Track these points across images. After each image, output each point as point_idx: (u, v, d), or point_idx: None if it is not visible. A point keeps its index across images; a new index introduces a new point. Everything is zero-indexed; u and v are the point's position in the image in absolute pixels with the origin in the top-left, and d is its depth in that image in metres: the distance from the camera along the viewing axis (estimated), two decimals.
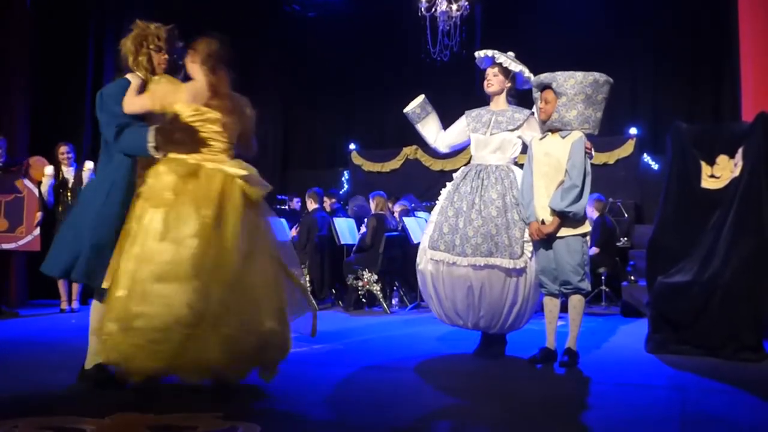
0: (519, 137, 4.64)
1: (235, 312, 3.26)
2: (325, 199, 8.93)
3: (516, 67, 4.63)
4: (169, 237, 3.27)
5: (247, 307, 3.31)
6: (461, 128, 4.85)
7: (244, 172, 3.47)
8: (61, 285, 7.16)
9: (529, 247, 4.38)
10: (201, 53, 3.60)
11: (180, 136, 3.49)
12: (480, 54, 4.74)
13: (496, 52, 4.68)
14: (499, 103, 4.75)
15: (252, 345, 3.31)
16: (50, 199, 7.03)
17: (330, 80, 11.99)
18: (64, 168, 7.24)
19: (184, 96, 3.53)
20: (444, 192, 4.74)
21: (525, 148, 4.66)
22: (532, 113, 4.67)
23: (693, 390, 3.75)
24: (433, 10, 8.85)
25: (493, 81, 4.71)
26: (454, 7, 8.82)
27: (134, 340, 3.18)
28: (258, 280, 3.37)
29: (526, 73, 4.64)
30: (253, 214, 3.49)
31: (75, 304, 7.22)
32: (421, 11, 8.90)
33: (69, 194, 7.08)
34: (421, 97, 4.97)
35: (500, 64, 4.65)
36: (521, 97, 4.85)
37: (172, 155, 3.48)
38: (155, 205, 3.35)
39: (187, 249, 3.23)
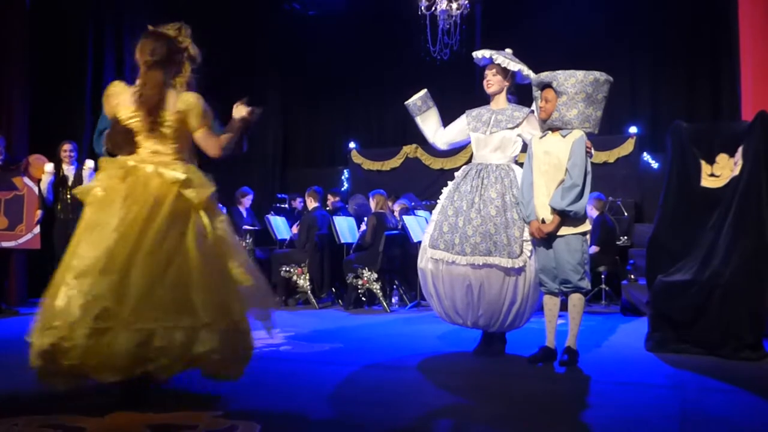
0: (519, 135, 4.65)
1: (155, 308, 3.16)
2: (329, 197, 8.93)
3: (514, 66, 4.63)
4: (94, 232, 3.25)
5: (172, 304, 3.19)
6: (461, 126, 4.86)
7: (179, 176, 3.36)
8: None
9: (528, 247, 4.39)
10: (137, 53, 3.57)
11: (120, 138, 3.49)
12: (477, 54, 4.74)
13: (493, 52, 4.68)
14: (499, 102, 4.75)
15: (177, 342, 3.16)
16: (49, 197, 7.03)
17: (330, 79, 11.98)
18: (65, 166, 7.25)
19: (126, 98, 3.51)
20: (445, 191, 4.76)
21: (525, 147, 4.66)
22: (532, 111, 4.67)
23: (692, 389, 3.75)
24: (433, 8, 8.84)
25: (492, 81, 4.71)
26: (454, 5, 8.81)
27: (49, 339, 3.11)
28: (192, 279, 3.25)
29: (525, 71, 4.64)
30: (196, 216, 3.38)
31: None
32: (421, 10, 8.89)
33: (68, 192, 7.08)
34: (423, 91, 4.98)
35: (498, 64, 4.65)
36: (522, 91, 4.84)
37: (115, 157, 3.49)
38: (87, 203, 3.36)
39: (106, 243, 3.19)
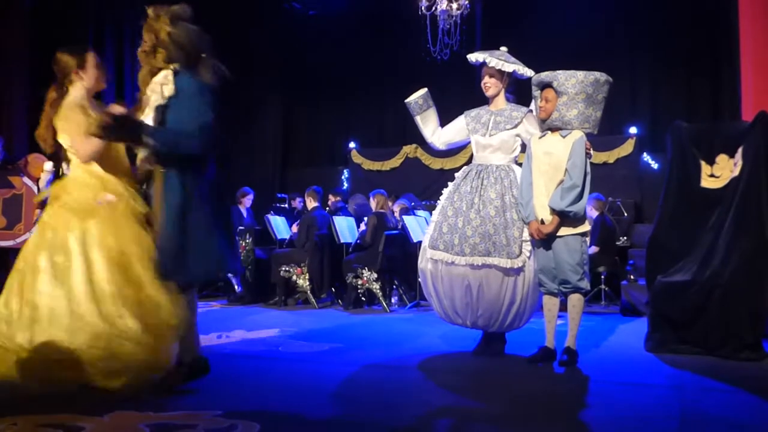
0: (517, 135, 4.64)
1: (33, 321, 3.26)
2: (330, 197, 8.92)
3: (509, 67, 4.61)
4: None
5: (54, 318, 3.26)
6: (459, 127, 4.86)
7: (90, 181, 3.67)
8: None
9: (527, 247, 4.38)
10: None
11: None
12: (471, 58, 4.73)
13: (487, 54, 4.66)
14: (498, 102, 4.75)
15: (48, 357, 3.21)
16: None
17: (330, 78, 11.97)
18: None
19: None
20: (445, 192, 4.76)
21: (524, 147, 4.66)
22: (530, 111, 4.67)
23: (692, 389, 3.76)
24: (434, 8, 8.84)
25: (489, 83, 4.70)
26: (455, 5, 8.81)
27: None
28: (92, 288, 3.31)
29: (520, 70, 4.63)
30: (115, 226, 3.46)
31: None
32: (422, 10, 8.88)
33: None
34: (423, 90, 4.98)
35: (492, 67, 4.64)
36: (520, 88, 4.83)
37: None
38: None
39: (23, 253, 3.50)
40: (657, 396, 3.60)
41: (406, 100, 4.97)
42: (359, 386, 3.82)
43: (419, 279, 4.90)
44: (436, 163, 10.94)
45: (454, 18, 8.79)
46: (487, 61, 4.62)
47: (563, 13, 10.25)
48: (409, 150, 11.27)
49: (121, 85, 9.39)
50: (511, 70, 4.62)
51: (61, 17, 8.75)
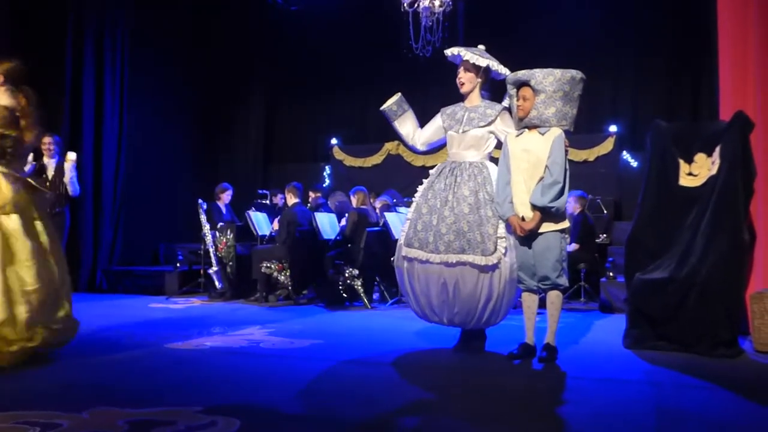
0: (491, 132, 4.66)
1: None
2: (310, 193, 8.91)
3: (483, 61, 4.63)
4: None
5: None
6: (437, 126, 4.87)
7: None
8: None
9: (502, 243, 4.37)
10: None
11: None
12: (447, 53, 4.75)
13: (462, 49, 4.68)
14: (473, 99, 4.76)
15: None
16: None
17: (312, 74, 11.95)
18: (45, 159, 7.20)
19: None
20: (420, 189, 4.75)
21: (499, 144, 4.67)
22: (505, 108, 4.69)
23: (669, 385, 3.80)
24: (416, 5, 8.84)
25: (464, 78, 4.72)
26: (437, 2, 8.81)
27: None
28: None
29: (495, 65, 4.64)
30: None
31: None
32: (404, 6, 8.88)
33: (48, 185, 7.02)
34: (397, 95, 4.99)
35: (467, 61, 4.66)
36: (496, 88, 4.85)
37: None
38: None
39: None
40: (634, 392, 3.64)
41: (381, 108, 4.98)
42: (339, 382, 3.83)
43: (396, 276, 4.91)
44: (418, 160, 10.96)
45: (436, 15, 8.79)
46: (461, 54, 4.64)
47: (545, 11, 10.31)
48: (391, 147, 11.29)
49: (101, 81, 9.31)
50: (485, 65, 4.63)
51: (41, 8, 8.68)
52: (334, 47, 11.60)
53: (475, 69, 4.69)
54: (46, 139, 7.16)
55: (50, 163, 7.20)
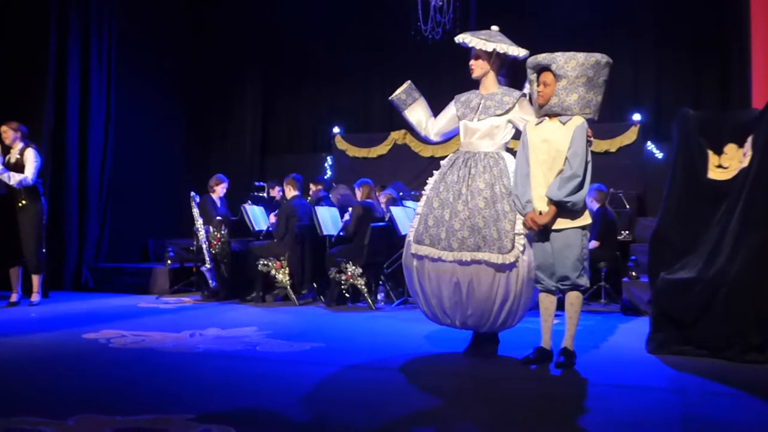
0: (509, 122, 4.65)
1: None
2: (311, 186, 8.92)
3: (489, 46, 4.59)
4: None
5: None
6: (451, 114, 4.85)
7: None
8: (14, 276, 7.20)
9: (520, 240, 4.36)
10: None
11: None
12: (456, 39, 4.73)
13: (467, 35, 4.65)
14: (488, 85, 4.74)
15: None
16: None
17: (313, 58, 11.93)
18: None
19: None
20: (430, 181, 4.74)
21: (517, 134, 4.66)
22: (524, 94, 4.67)
23: (695, 393, 3.80)
24: None
25: (474, 65, 4.71)
26: None
27: None
28: None
29: (503, 48, 4.59)
30: None
31: (36, 297, 7.23)
32: None
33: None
34: (407, 83, 4.98)
35: (474, 47, 4.64)
36: (519, 71, 4.82)
37: None
38: None
39: None
40: (658, 400, 3.64)
41: (390, 98, 4.98)
42: (341, 388, 3.84)
43: (404, 275, 4.91)
44: (426, 151, 10.95)
45: None
46: (467, 41, 4.62)
47: None
48: (397, 136, 11.27)
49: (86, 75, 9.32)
50: (491, 49, 4.60)
51: (23, 4, 8.71)
52: (336, 29, 11.58)
53: (486, 54, 4.67)
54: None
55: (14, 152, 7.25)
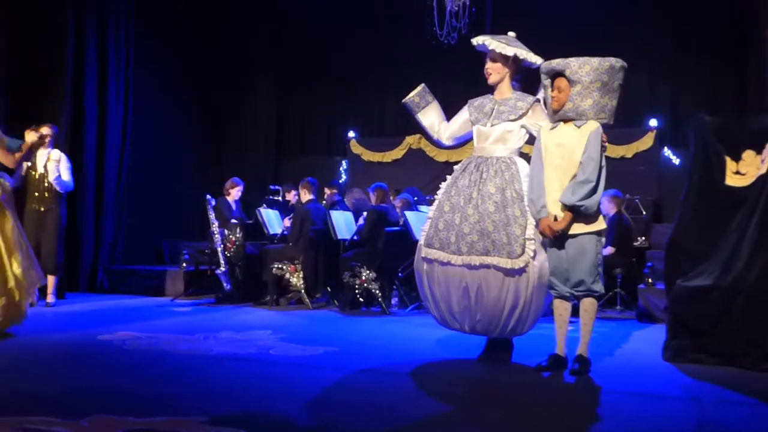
0: (523, 127, 4.63)
1: None
2: (326, 190, 8.92)
3: (510, 50, 4.58)
4: None
5: None
6: (465, 119, 4.84)
7: None
8: None
9: (531, 246, 4.33)
10: None
11: None
12: (473, 42, 4.73)
13: (488, 37, 4.65)
14: (502, 90, 4.73)
15: None
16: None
17: (328, 62, 11.94)
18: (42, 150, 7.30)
19: None
20: (443, 186, 4.73)
21: (531, 139, 4.64)
22: (538, 100, 4.66)
23: (711, 401, 3.77)
24: None
25: (491, 69, 4.70)
26: None
27: None
28: None
29: (523, 54, 4.59)
30: None
31: (52, 298, 7.28)
32: None
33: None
34: (421, 86, 4.97)
35: (494, 50, 4.63)
36: (532, 78, 4.81)
37: None
38: None
39: None
40: (673, 408, 3.61)
41: (403, 100, 4.98)
42: (354, 392, 3.83)
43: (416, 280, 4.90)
44: (441, 155, 10.93)
45: None
46: (486, 43, 4.62)
47: None
48: (412, 140, 11.27)
49: (104, 72, 9.38)
50: (511, 54, 4.58)
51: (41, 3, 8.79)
52: (351, 33, 11.59)
53: (503, 59, 4.66)
54: (45, 131, 7.21)
55: (42, 156, 7.28)
